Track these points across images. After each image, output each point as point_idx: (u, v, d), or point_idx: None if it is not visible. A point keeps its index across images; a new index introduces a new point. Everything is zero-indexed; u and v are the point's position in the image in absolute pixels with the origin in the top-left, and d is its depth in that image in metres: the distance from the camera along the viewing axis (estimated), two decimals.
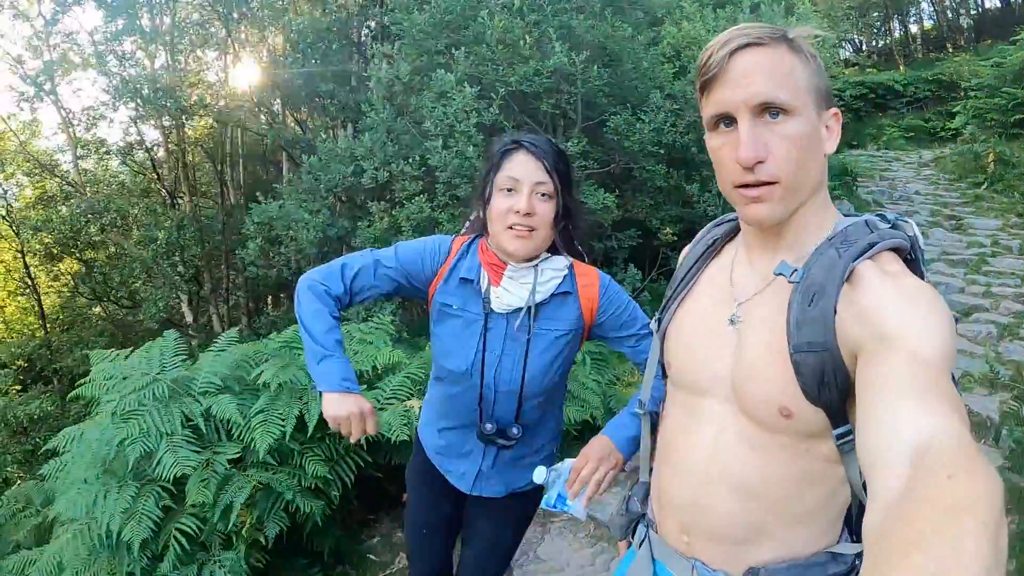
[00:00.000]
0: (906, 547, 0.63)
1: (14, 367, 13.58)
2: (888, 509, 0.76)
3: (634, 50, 6.94)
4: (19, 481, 8.08)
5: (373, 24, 8.70)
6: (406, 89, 6.68)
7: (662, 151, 6.74)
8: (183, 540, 3.03)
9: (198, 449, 3.21)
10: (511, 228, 1.77)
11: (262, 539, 3.22)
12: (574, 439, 4.72)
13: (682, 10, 7.65)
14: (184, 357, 3.82)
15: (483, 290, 1.88)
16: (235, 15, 10.54)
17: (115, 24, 10.74)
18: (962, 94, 14.39)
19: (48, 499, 4.67)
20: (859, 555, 1.25)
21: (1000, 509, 0.66)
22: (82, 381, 3.88)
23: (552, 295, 1.89)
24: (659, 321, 1.49)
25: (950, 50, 20.90)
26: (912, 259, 1.18)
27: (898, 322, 1.02)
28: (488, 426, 1.92)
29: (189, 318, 11.20)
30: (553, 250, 1.92)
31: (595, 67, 6.31)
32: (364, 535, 4.19)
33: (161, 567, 3.04)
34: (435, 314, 1.98)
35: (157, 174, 12.44)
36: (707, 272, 1.44)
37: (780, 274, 1.19)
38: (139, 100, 10.10)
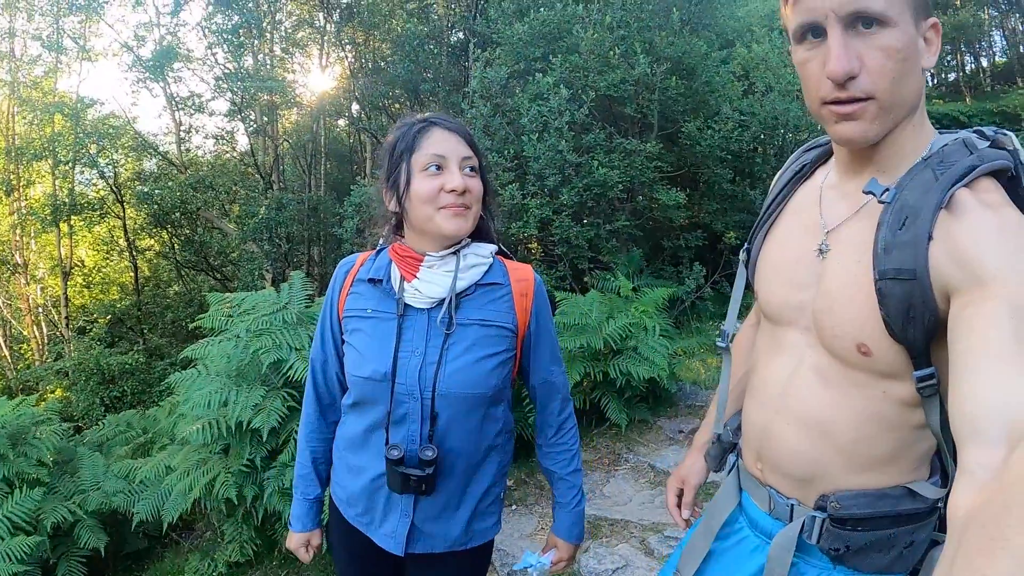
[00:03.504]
0: (990, 543, 0.59)
1: (106, 323, 14.63)
2: (978, 492, 0.71)
3: (707, 66, 7.75)
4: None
5: (465, 32, 9.52)
6: (503, 90, 7.43)
7: (729, 157, 7.57)
8: None
9: None
10: (444, 208, 1.53)
11: None
12: (640, 400, 5.29)
13: (752, 33, 8.40)
14: (309, 294, 4.14)
15: (395, 288, 1.62)
16: (335, 16, 11.48)
17: (229, 19, 11.75)
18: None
19: (146, 427, 5.31)
20: (943, 500, 1.19)
21: None
22: (201, 316, 4.29)
23: (478, 285, 1.63)
24: (748, 251, 1.42)
25: (1019, 84, 20.77)
26: (1014, 176, 1.08)
27: (998, 264, 0.93)
28: (395, 451, 1.54)
29: None
30: (476, 236, 1.67)
31: (673, 79, 7.12)
32: None
33: (280, 458, 3.40)
34: (346, 327, 1.69)
35: (254, 159, 13.38)
36: (795, 198, 1.35)
37: (869, 192, 1.09)
38: (236, 92, 11.02)
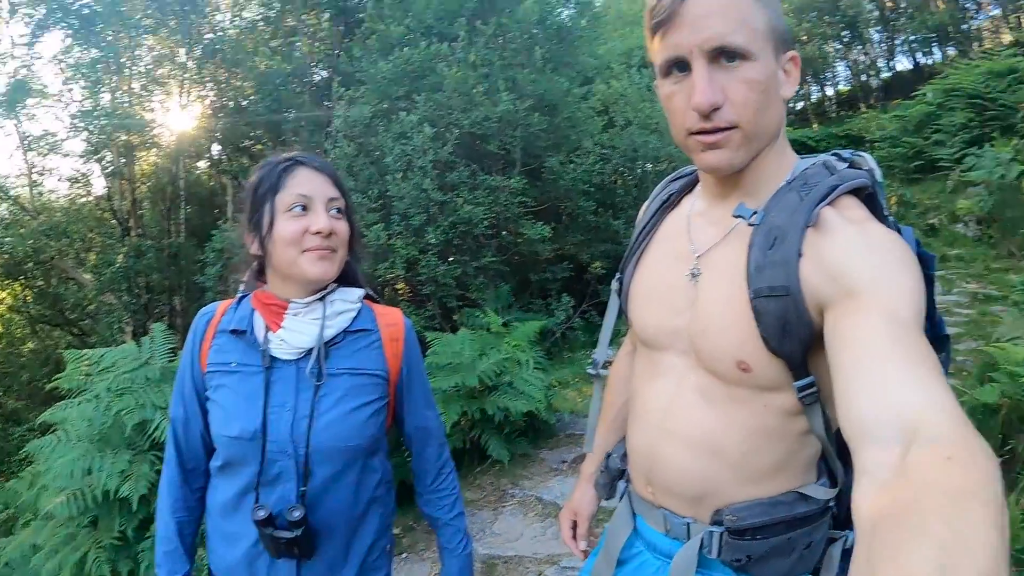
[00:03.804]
0: (908, 535, 0.61)
1: None
2: (882, 490, 0.73)
3: (568, 102, 7.96)
4: None
5: (329, 71, 9.41)
6: (366, 130, 7.35)
7: (592, 189, 7.80)
8: None
9: None
10: (309, 251, 1.48)
11: None
12: (520, 434, 5.28)
13: (611, 70, 8.70)
14: (172, 347, 3.97)
15: (260, 339, 1.54)
16: (198, 52, 11.15)
17: (87, 52, 11.19)
18: (868, 146, 15.63)
19: (7, 501, 4.98)
20: (833, 500, 1.24)
21: (1001, 492, 0.64)
22: (58, 376, 4.03)
23: (347, 332, 1.58)
24: (620, 280, 1.45)
25: (862, 109, 22.38)
26: (872, 193, 1.14)
27: (868, 276, 0.98)
28: (260, 512, 1.44)
29: None
30: (342, 281, 1.63)
31: (536, 115, 7.27)
32: None
33: (153, 527, 3.13)
34: (209, 383, 1.57)
35: (111, 204, 12.71)
36: (664, 227, 1.39)
37: (739, 216, 1.14)
38: (93, 131, 10.52)
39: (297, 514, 1.44)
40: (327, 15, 9.49)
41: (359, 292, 1.64)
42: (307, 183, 1.51)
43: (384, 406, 1.61)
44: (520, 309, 7.54)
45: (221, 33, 11.82)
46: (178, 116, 12.44)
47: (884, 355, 0.87)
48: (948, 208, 11.55)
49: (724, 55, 1.06)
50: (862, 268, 0.99)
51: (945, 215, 11.38)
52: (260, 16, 11.66)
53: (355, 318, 1.60)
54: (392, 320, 1.66)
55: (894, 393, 0.82)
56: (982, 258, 9.63)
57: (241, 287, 1.66)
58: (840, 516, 1.29)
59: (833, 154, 1.21)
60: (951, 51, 21.56)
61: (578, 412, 5.87)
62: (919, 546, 0.59)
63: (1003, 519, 0.61)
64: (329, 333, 1.54)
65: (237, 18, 12.21)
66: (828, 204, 1.08)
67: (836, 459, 1.21)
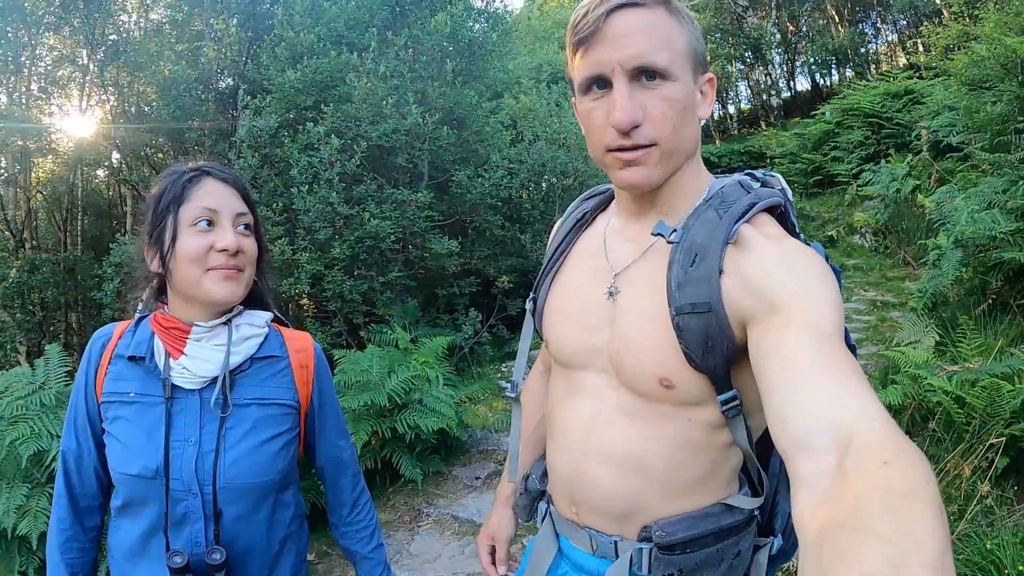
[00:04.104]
0: (856, 536, 0.62)
1: None
2: (823, 498, 0.73)
3: (477, 117, 8.01)
4: None
5: (235, 78, 9.18)
6: (272, 140, 7.19)
7: (500, 204, 7.83)
8: None
9: None
10: (213, 270, 1.39)
11: None
12: (431, 452, 5.24)
13: (520, 85, 8.79)
14: (68, 369, 3.85)
15: (160, 367, 1.42)
16: (100, 54, 10.73)
17: None
18: (768, 162, 16.21)
19: None
20: (757, 509, 1.25)
21: (938, 490, 0.66)
22: None
23: (253, 359, 1.49)
24: (534, 300, 1.44)
25: (763, 127, 23.20)
26: (784, 211, 1.18)
27: (791, 291, 1.00)
28: (177, 559, 1.34)
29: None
30: (248, 302, 1.54)
31: (445, 128, 7.26)
32: None
33: None
34: (105, 415, 1.45)
35: (4, 214, 12.04)
36: (579, 245, 1.39)
37: (658, 234, 1.14)
38: None
39: (218, 557, 1.36)
40: (235, 20, 9.23)
41: (267, 316, 1.56)
42: (214, 196, 1.42)
43: (295, 437, 1.53)
44: (427, 324, 7.50)
45: (126, 35, 11.41)
46: (78, 121, 11.94)
47: (812, 368, 0.89)
48: (846, 220, 12.03)
49: (645, 74, 1.09)
50: (784, 283, 1.02)
51: (843, 227, 11.86)
52: (167, 18, 11.28)
53: (262, 343, 1.52)
54: (301, 345, 1.58)
55: (825, 404, 0.83)
56: (879, 267, 10.07)
57: (139, 307, 1.56)
58: (763, 523, 1.31)
59: (747, 173, 1.25)
60: (849, 73, 22.47)
61: (490, 427, 5.87)
62: (868, 545, 0.60)
63: (943, 515, 0.63)
64: (235, 360, 1.45)
65: (143, 19, 11.77)
66: (746, 222, 1.11)
67: (759, 469, 1.24)
